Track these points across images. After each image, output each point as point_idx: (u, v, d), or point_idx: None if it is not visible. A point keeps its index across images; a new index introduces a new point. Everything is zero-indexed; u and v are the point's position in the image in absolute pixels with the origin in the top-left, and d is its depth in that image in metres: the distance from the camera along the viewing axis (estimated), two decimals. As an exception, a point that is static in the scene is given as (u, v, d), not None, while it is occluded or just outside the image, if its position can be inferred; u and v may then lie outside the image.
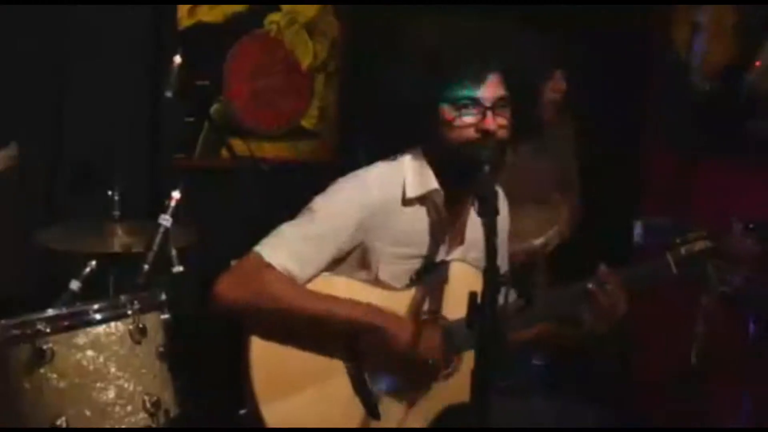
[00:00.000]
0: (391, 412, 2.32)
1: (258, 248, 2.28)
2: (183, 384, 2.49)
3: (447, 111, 2.26)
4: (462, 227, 2.44)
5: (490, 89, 2.26)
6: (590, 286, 2.35)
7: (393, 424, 2.31)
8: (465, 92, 2.25)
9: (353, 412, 2.30)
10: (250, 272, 2.25)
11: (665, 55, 3.90)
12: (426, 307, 2.35)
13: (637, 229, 3.80)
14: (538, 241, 3.25)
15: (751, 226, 2.80)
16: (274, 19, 3.73)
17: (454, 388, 2.32)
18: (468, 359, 2.32)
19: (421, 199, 2.35)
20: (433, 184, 2.34)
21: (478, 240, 2.22)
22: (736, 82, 3.60)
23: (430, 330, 2.30)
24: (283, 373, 2.26)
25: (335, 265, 2.35)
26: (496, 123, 2.26)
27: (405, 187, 2.33)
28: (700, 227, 2.58)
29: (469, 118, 2.26)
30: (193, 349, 2.56)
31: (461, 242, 2.44)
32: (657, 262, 2.47)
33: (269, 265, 2.24)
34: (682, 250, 2.48)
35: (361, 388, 2.29)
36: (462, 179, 2.29)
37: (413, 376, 2.32)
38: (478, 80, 2.25)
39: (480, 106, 2.25)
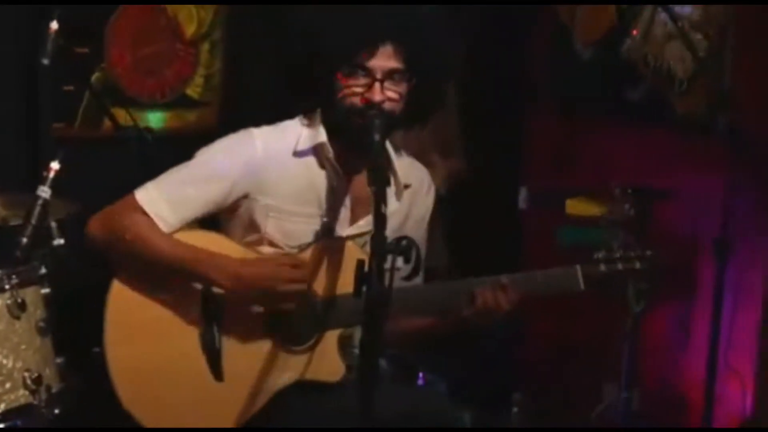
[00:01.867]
0: (239, 376, 2.31)
1: (136, 190, 2.32)
2: (65, 359, 2.44)
3: (339, 78, 2.27)
4: (369, 197, 2.41)
5: (380, 60, 2.26)
6: (475, 291, 2.32)
7: (238, 389, 2.31)
8: (355, 61, 2.26)
9: (197, 370, 2.30)
10: (119, 212, 2.30)
11: (549, 22, 3.97)
12: None
13: (522, 194, 3.88)
14: None
15: (629, 190, 2.89)
16: (156, -16, 3.64)
17: (309, 363, 2.33)
18: (329, 339, 2.34)
19: (315, 155, 2.35)
20: (322, 138, 2.34)
21: (390, 212, 2.19)
22: (616, 49, 3.69)
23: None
24: (137, 319, 2.29)
25: (225, 223, 2.37)
26: (384, 95, 2.27)
27: (298, 141, 2.35)
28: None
29: (356, 88, 2.27)
30: (75, 323, 2.50)
31: (369, 212, 2.42)
32: (564, 273, 2.37)
33: (139, 208, 2.28)
34: (602, 267, 2.38)
35: (208, 346, 2.30)
36: (355, 146, 2.30)
37: (267, 342, 2.32)
38: (369, 50, 2.25)
39: (370, 76, 2.26)
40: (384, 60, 2.26)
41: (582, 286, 2.34)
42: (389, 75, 2.27)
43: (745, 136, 3.13)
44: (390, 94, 2.28)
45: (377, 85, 2.26)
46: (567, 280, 2.36)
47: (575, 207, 3.40)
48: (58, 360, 2.44)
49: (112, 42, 3.55)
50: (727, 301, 3.24)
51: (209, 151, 2.35)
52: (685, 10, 3.48)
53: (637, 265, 2.40)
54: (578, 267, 2.35)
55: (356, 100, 2.27)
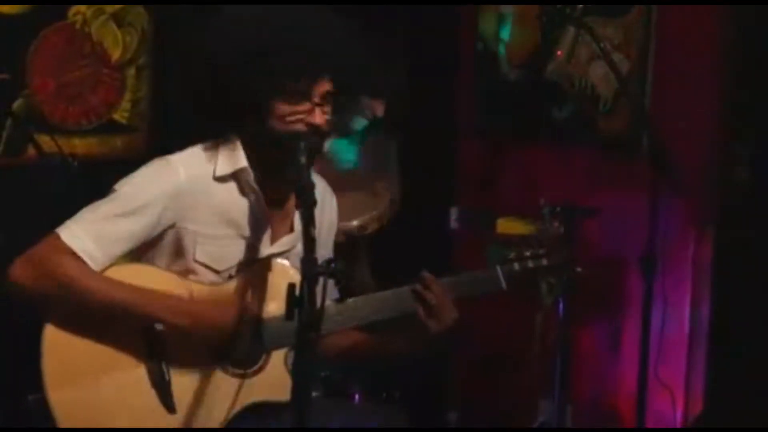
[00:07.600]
0: (191, 405, 2.29)
1: (58, 229, 2.25)
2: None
3: (279, 105, 2.27)
4: (288, 216, 2.43)
5: (319, 85, 2.29)
6: (415, 287, 2.39)
7: (192, 419, 2.29)
8: (298, 88, 2.26)
9: (149, 404, 2.27)
10: (46, 256, 2.23)
11: (474, 45, 4.02)
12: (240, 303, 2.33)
13: (453, 215, 3.91)
14: (355, 222, 3.26)
15: (558, 209, 2.94)
16: (80, 9, 3.60)
17: (260, 385, 2.32)
18: (276, 358, 2.34)
19: (235, 179, 2.35)
20: (242, 163, 2.34)
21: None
22: (540, 70, 3.75)
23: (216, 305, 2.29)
24: (77, 360, 2.23)
25: (150, 252, 2.33)
26: (323, 117, 2.30)
27: (216, 166, 2.34)
28: (535, 239, 2.59)
29: (301, 115, 2.28)
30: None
31: (290, 230, 2.43)
32: (486, 274, 2.48)
33: (66, 249, 2.22)
34: (516, 266, 2.50)
35: (157, 380, 2.27)
36: (279, 167, 2.30)
37: (215, 370, 2.31)
38: (313, 77, 2.27)
39: (309, 101, 2.28)
40: (322, 84, 2.30)
41: (504, 285, 2.47)
42: (324, 98, 2.30)
43: (667, 154, 3.20)
44: (325, 116, 2.31)
45: (318, 109, 2.29)
46: (490, 280, 2.48)
47: (506, 226, 3.44)
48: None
49: (34, 68, 3.50)
50: (656, 316, 3.29)
51: (130, 182, 2.31)
52: (607, 31, 3.55)
53: (545, 261, 2.52)
54: (498, 267, 2.47)
55: (299, 126, 2.28)
